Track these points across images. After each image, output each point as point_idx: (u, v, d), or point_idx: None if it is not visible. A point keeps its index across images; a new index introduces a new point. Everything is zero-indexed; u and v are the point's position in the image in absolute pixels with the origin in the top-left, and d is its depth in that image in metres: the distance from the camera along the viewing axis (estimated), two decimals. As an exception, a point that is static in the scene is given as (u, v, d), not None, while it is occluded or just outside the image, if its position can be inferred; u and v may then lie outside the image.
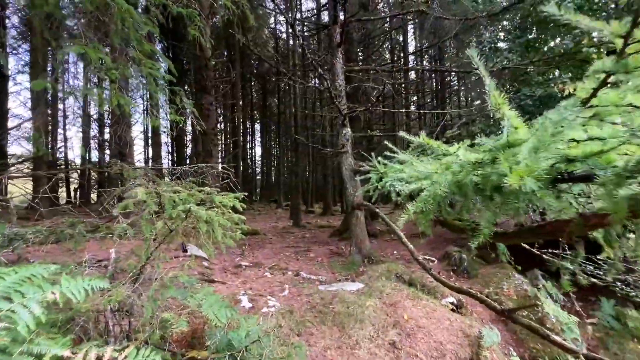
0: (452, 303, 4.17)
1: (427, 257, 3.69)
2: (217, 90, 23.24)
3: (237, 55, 20.98)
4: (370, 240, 7.34)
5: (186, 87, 18.96)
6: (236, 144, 18.96)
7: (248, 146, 33.50)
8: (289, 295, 4.14)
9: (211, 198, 1.76)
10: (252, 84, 31.12)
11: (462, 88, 22.06)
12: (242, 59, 24.58)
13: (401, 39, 20.31)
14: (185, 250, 6.10)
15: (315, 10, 15.94)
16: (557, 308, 3.71)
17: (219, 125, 27.20)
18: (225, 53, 23.10)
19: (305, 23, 13.00)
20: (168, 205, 1.51)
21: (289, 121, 19.03)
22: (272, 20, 25.48)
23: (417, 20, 10.36)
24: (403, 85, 15.13)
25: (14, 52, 17.21)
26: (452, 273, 5.82)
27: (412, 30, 21.10)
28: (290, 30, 20.15)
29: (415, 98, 20.06)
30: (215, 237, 1.73)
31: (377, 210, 4.71)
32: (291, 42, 20.73)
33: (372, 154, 2.60)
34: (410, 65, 15.82)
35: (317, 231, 11.35)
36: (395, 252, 7.57)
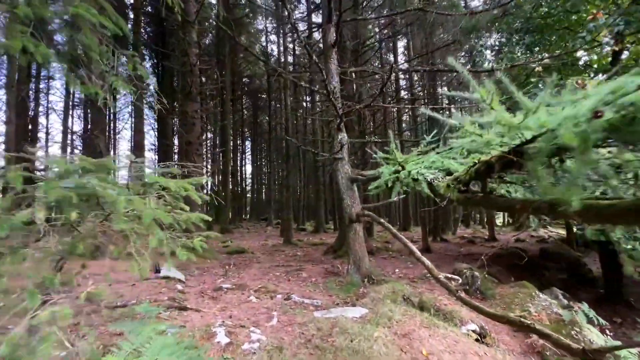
0: (474, 331, 3.48)
1: (448, 276, 3.03)
2: (205, 101, 22.78)
3: (228, 71, 20.64)
4: (368, 257, 6.61)
5: (175, 104, 18.39)
6: (225, 154, 18.28)
7: (239, 164, 32.91)
8: (278, 325, 3.37)
9: (141, 176, 1.09)
10: (243, 101, 30.90)
11: (452, 106, 22.15)
12: (233, 76, 24.38)
13: (392, 57, 20.37)
14: (157, 271, 5.28)
15: (306, 12, 15.73)
16: (607, 338, 3.05)
17: (209, 138, 26.56)
18: (217, 72, 22.82)
19: (298, 22, 12.66)
20: (46, 183, 0.82)
21: (280, 133, 18.58)
22: (263, 39, 25.61)
23: (409, 29, 10.13)
24: (394, 99, 14.90)
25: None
26: (463, 293, 5.12)
27: (403, 48, 21.26)
28: (282, 49, 20.04)
29: (406, 117, 19.98)
30: (150, 244, 1.05)
31: (382, 221, 4.06)
32: (282, 59, 20.58)
33: (391, 134, 1.99)
34: (401, 76, 15.68)
35: (309, 249, 10.56)
36: (396, 270, 6.86)
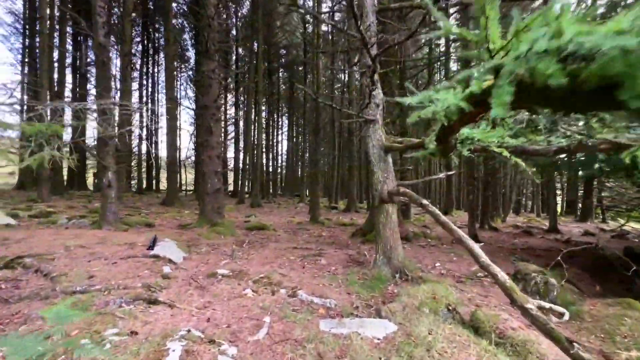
0: (563, 379, 2.24)
1: (544, 305, 1.79)
2: (242, 69, 22.02)
3: (261, 36, 19.40)
4: (402, 245, 5.40)
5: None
6: (258, 124, 17.63)
7: (274, 139, 32.54)
8: (266, 339, 2.41)
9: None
10: (279, 75, 29.85)
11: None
12: (267, 44, 23.32)
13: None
14: (150, 248, 4.58)
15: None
16: None
17: (244, 111, 26.13)
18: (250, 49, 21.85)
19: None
20: None
21: (313, 104, 17.39)
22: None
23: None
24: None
25: None
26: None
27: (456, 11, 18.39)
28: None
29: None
30: None
31: (425, 202, 2.84)
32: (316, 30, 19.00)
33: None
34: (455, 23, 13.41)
35: (336, 229, 9.57)
36: (437, 264, 5.61)
